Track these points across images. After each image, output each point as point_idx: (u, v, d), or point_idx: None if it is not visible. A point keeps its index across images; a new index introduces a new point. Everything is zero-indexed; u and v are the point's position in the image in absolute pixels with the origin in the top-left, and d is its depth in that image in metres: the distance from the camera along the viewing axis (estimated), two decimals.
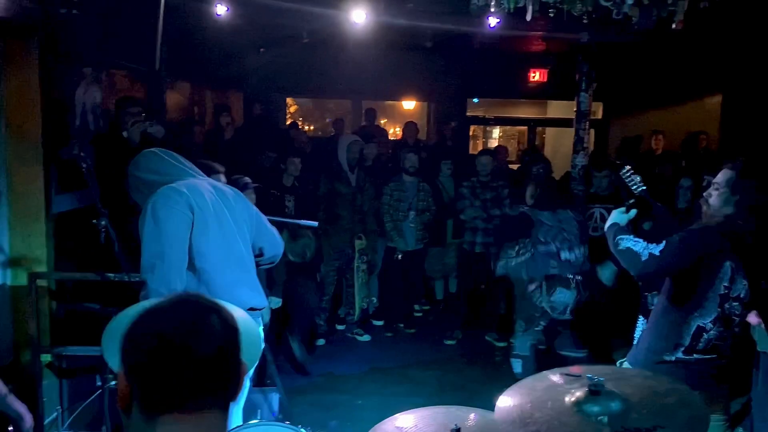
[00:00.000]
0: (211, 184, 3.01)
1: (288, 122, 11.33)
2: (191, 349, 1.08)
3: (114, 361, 1.99)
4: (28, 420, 2.39)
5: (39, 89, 3.95)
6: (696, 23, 4.81)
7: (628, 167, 3.19)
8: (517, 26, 5.86)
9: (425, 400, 4.50)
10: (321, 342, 6.02)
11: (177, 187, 2.83)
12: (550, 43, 8.42)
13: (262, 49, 8.09)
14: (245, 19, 5.64)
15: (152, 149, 3.03)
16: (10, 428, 2.39)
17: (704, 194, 2.82)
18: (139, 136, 4.65)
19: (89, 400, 4.00)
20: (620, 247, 2.75)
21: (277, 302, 4.85)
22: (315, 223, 4.33)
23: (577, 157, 6.25)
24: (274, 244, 3.23)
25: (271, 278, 4.78)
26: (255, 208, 3.16)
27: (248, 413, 3.22)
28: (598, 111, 10.27)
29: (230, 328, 1.15)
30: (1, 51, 3.95)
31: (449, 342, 6.22)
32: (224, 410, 1.14)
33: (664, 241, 2.65)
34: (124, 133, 4.61)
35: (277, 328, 5.24)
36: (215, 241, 2.86)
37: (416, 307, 6.92)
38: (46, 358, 4.15)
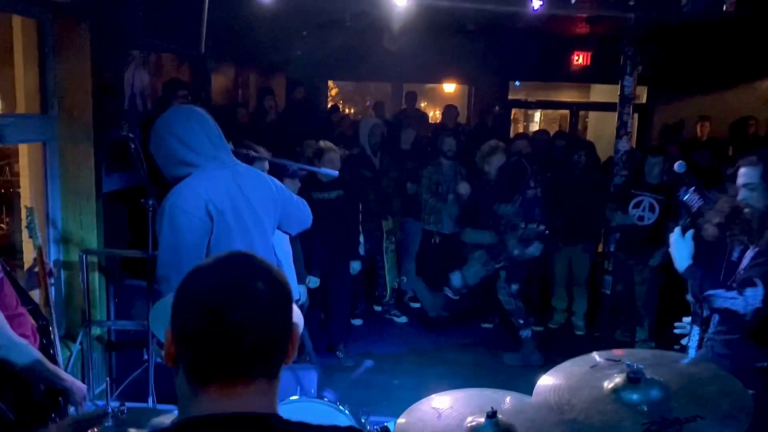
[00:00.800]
0: (233, 174, 2.67)
1: (329, 105, 11.35)
2: (231, 316, 1.02)
3: (161, 332, 2.02)
4: (80, 391, 2.43)
5: (90, 71, 4.04)
6: (748, 4, 4.62)
7: (693, 188, 2.84)
8: (561, 8, 5.73)
9: (461, 383, 4.50)
10: (358, 322, 6.05)
11: (197, 187, 2.54)
12: (594, 26, 8.21)
13: (304, 33, 8.09)
14: (289, 4, 5.64)
15: (191, 107, 2.70)
16: (61, 399, 2.46)
17: (739, 201, 2.64)
18: None
19: (136, 372, 4.11)
20: (715, 305, 2.56)
21: (315, 282, 4.89)
22: (335, 173, 4.26)
23: (620, 142, 6.09)
24: (302, 221, 3.06)
25: (308, 258, 4.81)
26: (281, 189, 2.91)
27: (286, 390, 3.27)
28: (643, 95, 9.98)
29: (279, 292, 1.08)
30: (54, 33, 4.04)
31: (486, 326, 6.19)
32: (272, 378, 1.09)
33: (759, 284, 2.43)
34: None
35: (315, 308, 5.29)
36: (236, 245, 2.59)
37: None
38: (95, 331, 4.29)
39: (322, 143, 5.09)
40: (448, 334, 5.94)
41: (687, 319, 2.87)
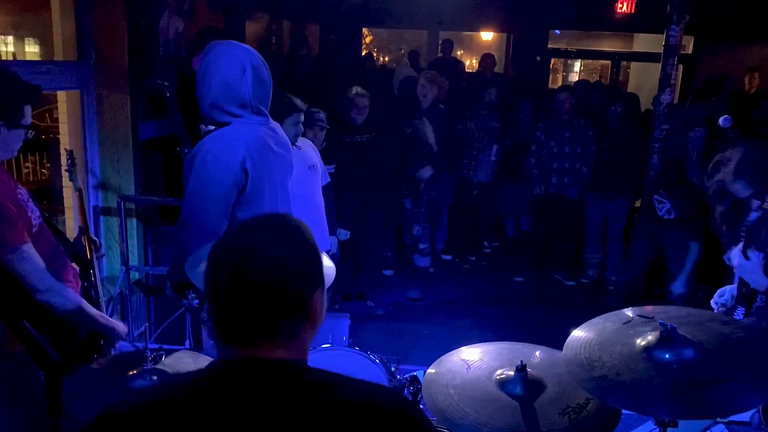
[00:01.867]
0: (267, 130, 2.58)
1: (363, 53, 11.19)
2: (251, 276, 1.04)
3: (198, 280, 2.06)
4: (121, 330, 2.50)
5: (125, 18, 4.04)
6: None
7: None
8: None
9: (491, 335, 4.53)
10: (389, 273, 6.11)
11: (236, 140, 2.42)
12: None
13: None
14: None
15: (248, 53, 2.45)
16: (102, 342, 2.54)
17: None
18: None
19: (173, 317, 4.24)
20: None
21: (345, 234, 4.93)
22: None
23: (663, 95, 5.89)
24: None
25: (339, 210, 4.84)
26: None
27: (317, 337, 3.34)
28: (689, 45, 9.60)
29: (305, 253, 1.10)
30: None
31: (517, 279, 6.19)
32: (294, 337, 1.10)
33: None
34: None
35: (346, 258, 5.35)
36: (265, 204, 2.52)
37: (485, 243, 6.89)
38: (133, 276, 4.41)
39: (353, 89, 5.07)
40: (479, 287, 5.96)
41: (723, 290, 2.82)
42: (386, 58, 17.19)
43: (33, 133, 2.30)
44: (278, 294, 1.06)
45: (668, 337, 1.80)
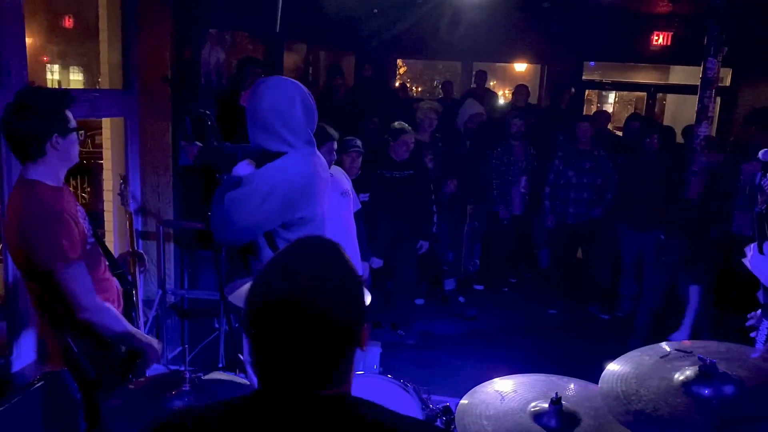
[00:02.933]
0: (317, 159, 2.68)
1: (397, 84, 11.34)
2: (306, 303, 1.03)
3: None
4: (156, 349, 2.54)
5: (169, 49, 4.18)
6: None
7: None
8: None
9: (524, 367, 4.49)
10: (420, 302, 6.10)
11: (297, 168, 2.51)
12: (676, 4, 7.86)
13: (375, 10, 8.08)
14: None
15: (296, 86, 2.57)
16: (139, 362, 2.60)
17: None
18: None
19: (208, 340, 4.29)
20: None
21: (378, 262, 4.95)
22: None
23: (700, 127, 5.84)
24: None
25: (372, 237, 4.88)
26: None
27: None
28: (726, 78, 9.51)
29: (353, 280, 1.09)
30: (137, 12, 4.20)
31: (551, 311, 6.12)
32: (347, 366, 1.11)
33: None
34: (243, 93, 4.81)
35: (378, 286, 5.36)
36: (314, 227, 2.60)
37: (518, 273, 6.85)
38: (169, 299, 4.49)
39: (397, 124, 5.12)
40: (512, 318, 5.91)
41: (758, 312, 2.77)
42: (419, 89, 17.36)
43: (83, 133, 2.41)
44: (334, 328, 1.05)
45: (707, 373, 1.77)
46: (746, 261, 2.67)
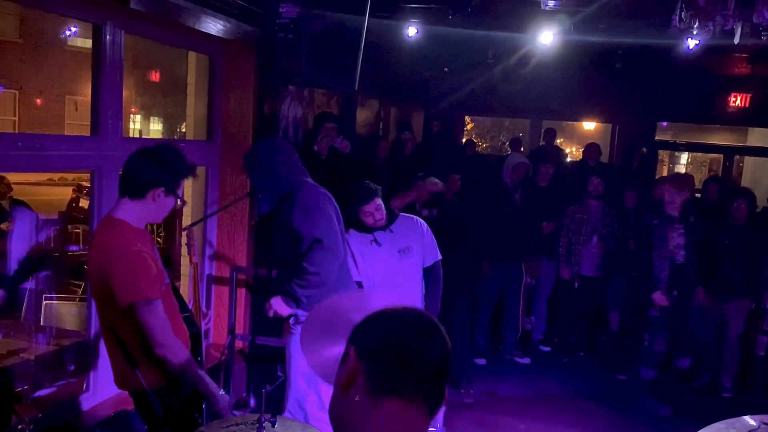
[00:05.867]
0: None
1: (464, 140, 11.45)
2: (423, 351, 1.19)
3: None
4: (223, 400, 2.58)
5: (252, 104, 4.41)
6: None
7: None
8: (719, 46, 5.43)
9: None
10: (481, 362, 5.99)
11: (318, 190, 3.39)
12: (755, 66, 7.71)
13: (445, 69, 8.28)
14: (432, 42, 5.82)
15: (278, 140, 3.58)
16: (204, 404, 2.65)
17: None
18: (327, 149, 4.97)
19: (273, 386, 4.33)
20: None
21: None
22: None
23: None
24: None
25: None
26: None
27: None
28: None
29: (447, 342, 1.25)
30: (223, 69, 4.47)
31: (620, 377, 5.89)
32: (431, 415, 1.21)
33: None
34: (315, 147, 4.96)
35: None
36: (342, 247, 3.38)
37: (588, 336, 6.64)
38: (237, 344, 4.58)
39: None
40: (579, 382, 5.71)
41: None
42: (485, 145, 17.45)
43: (183, 203, 2.57)
44: (438, 372, 1.21)
45: None
46: None
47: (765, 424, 1.91)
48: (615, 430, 4.76)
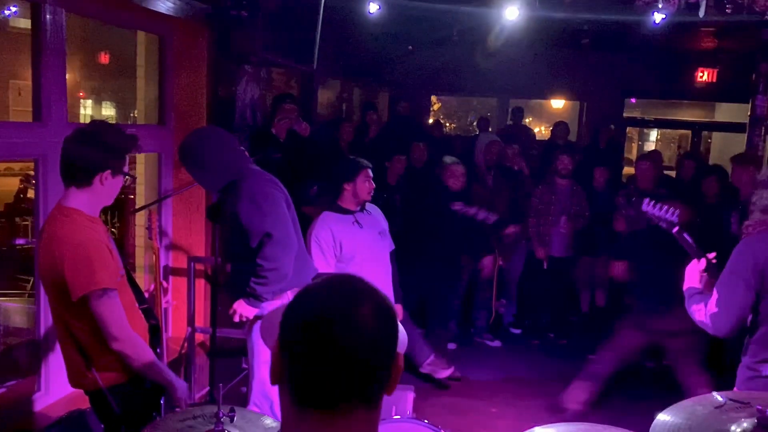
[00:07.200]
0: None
1: (431, 120, 11.46)
2: (335, 338, 1.03)
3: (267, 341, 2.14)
4: (183, 390, 2.55)
5: (206, 85, 4.32)
6: None
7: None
8: (686, 22, 5.52)
9: (565, 416, 4.40)
10: (452, 346, 6.03)
11: (269, 180, 3.29)
12: (722, 40, 7.86)
13: (410, 47, 8.25)
14: (397, 21, 5.79)
15: (218, 129, 3.43)
16: (162, 399, 2.62)
17: None
18: (285, 132, 4.91)
19: (236, 380, 4.31)
20: (696, 321, 2.65)
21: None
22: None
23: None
24: None
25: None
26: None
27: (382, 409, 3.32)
28: None
29: (385, 318, 1.08)
30: (175, 49, 4.36)
31: (593, 357, 5.99)
32: (372, 408, 1.09)
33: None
34: (272, 130, 4.90)
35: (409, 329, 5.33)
36: (295, 236, 3.29)
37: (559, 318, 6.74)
38: (198, 337, 4.53)
39: (446, 158, 5.24)
40: (550, 364, 5.80)
41: None
42: (453, 125, 17.50)
43: (130, 179, 2.51)
44: (362, 358, 1.05)
45: (767, 426, 1.73)
46: None
47: (732, 400, 1.95)
48: (589, 412, 4.84)
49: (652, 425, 1.87)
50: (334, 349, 1.03)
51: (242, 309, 3.28)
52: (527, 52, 8.03)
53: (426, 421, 2.57)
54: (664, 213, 2.91)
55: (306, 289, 1.12)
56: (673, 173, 7.88)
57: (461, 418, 4.63)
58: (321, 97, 6.67)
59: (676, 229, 2.82)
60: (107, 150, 2.38)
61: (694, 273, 2.77)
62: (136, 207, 4.66)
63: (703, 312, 2.57)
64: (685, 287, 2.79)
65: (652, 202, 2.98)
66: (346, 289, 1.10)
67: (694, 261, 2.79)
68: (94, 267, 2.27)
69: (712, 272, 2.72)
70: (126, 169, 2.47)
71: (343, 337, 1.03)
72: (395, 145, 6.56)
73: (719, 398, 1.96)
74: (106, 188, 2.40)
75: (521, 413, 4.73)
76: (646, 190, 5.70)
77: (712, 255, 2.79)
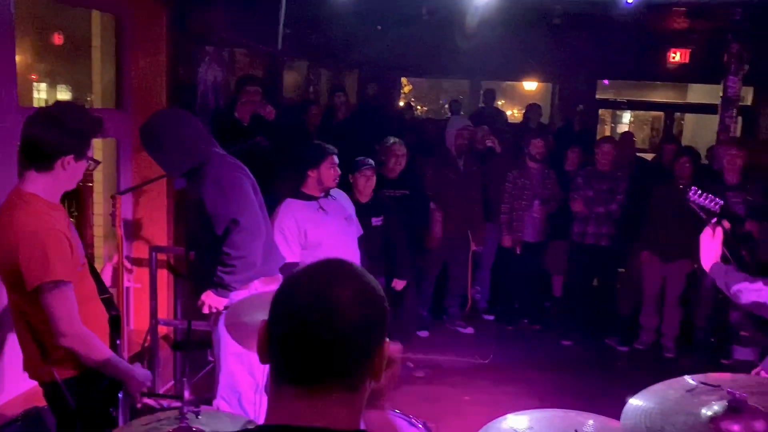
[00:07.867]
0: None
1: (402, 103, 11.44)
2: (311, 319, 1.08)
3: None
4: (142, 378, 2.50)
5: (166, 67, 4.24)
6: None
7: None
8: (658, 2, 5.57)
9: (538, 402, 4.45)
10: (424, 334, 6.06)
11: (235, 165, 3.26)
12: (694, 20, 7.95)
13: (379, 27, 8.18)
14: None
15: (183, 111, 3.47)
16: (120, 394, 2.57)
17: None
18: (249, 116, 4.83)
19: (201, 373, 4.27)
20: (743, 302, 2.55)
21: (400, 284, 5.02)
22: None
23: (722, 148, 5.87)
24: None
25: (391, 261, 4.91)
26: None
27: None
28: (748, 96, 9.57)
29: (368, 301, 1.12)
30: (132, 28, 4.26)
31: (565, 342, 6.08)
32: (353, 391, 1.12)
33: None
34: (236, 113, 4.82)
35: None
36: (262, 219, 3.28)
37: (531, 303, 6.81)
38: (161, 329, 4.47)
39: (391, 139, 5.22)
40: (523, 350, 5.87)
41: None
42: (425, 108, 17.48)
43: (93, 164, 2.44)
44: (339, 339, 1.08)
45: (737, 408, 1.76)
46: None
47: (703, 383, 1.98)
48: (561, 396, 4.90)
49: (624, 410, 1.89)
50: (308, 327, 1.07)
51: (211, 300, 3.24)
52: (499, 33, 8.02)
53: (397, 410, 2.57)
54: (708, 202, 2.87)
55: (294, 272, 1.17)
56: (646, 155, 7.99)
57: (435, 405, 4.66)
58: (287, 80, 6.59)
59: (714, 219, 2.76)
60: (71, 133, 2.30)
61: (712, 246, 2.69)
62: (94, 197, 4.57)
63: (765, 292, 2.45)
64: (707, 265, 2.71)
65: (698, 192, 2.93)
66: (328, 271, 1.15)
67: (709, 232, 2.71)
68: (48, 258, 2.22)
69: (730, 244, 2.70)
70: (90, 153, 2.40)
71: (318, 318, 1.08)
72: (364, 129, 6.53)
73: (691, 381, 2.00)
74: (68, 173, 2.33)
75: (495, 400, 4.78)
76: (604, 172, 5.80)
77: (728, 225, 2.76)
